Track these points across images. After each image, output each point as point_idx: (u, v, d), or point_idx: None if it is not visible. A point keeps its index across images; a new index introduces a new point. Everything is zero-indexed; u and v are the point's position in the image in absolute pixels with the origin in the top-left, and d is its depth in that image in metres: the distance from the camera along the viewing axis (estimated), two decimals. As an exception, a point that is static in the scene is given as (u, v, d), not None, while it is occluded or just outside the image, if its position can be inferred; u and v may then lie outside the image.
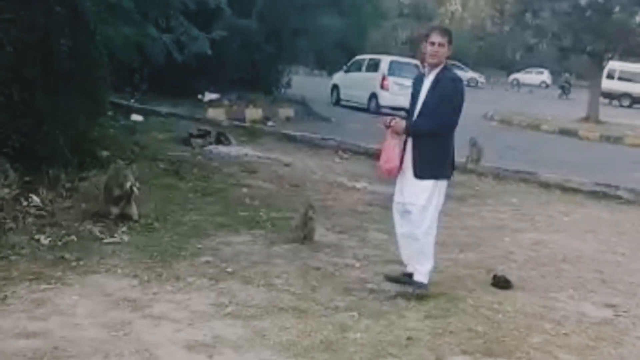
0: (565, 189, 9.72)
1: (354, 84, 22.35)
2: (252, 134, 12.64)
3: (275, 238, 5.98)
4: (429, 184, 4.84)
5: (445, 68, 4.88)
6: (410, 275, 4.96)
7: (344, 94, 23.14)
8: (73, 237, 5.34)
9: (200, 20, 13.92)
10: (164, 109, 14.37)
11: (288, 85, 20.91)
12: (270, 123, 15.02)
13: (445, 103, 4.79)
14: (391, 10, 41.45)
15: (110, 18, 8.58)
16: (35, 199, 6.16)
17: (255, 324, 4.09)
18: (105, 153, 8.23)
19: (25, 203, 6.05)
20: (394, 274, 5.09)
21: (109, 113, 11.22)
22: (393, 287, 4.96)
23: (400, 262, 5.16)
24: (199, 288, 4.59)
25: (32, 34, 6.90)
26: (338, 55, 24.65)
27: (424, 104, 4.85)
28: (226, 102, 16.61)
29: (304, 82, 23.86)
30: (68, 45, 7.30)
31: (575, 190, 9.65)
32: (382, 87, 21.07)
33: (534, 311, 4.82)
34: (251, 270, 5.06)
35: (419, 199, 4.84)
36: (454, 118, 4.86)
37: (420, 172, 4.84)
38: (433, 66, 4.85)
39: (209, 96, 16.79)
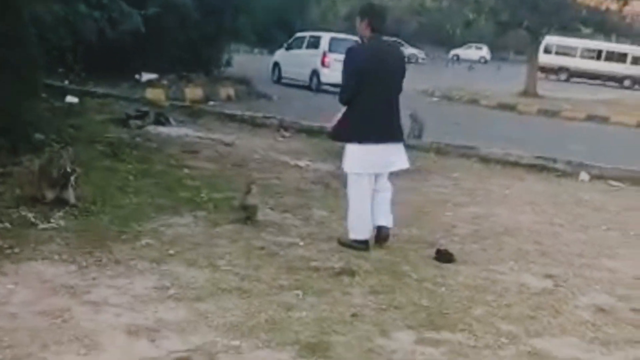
0: (505, 163, 9.90)
1: (295, 61, 22.24)
2: (192, 114, 12.43)
3: (218, 219, 5.90)
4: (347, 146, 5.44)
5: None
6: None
7: (285, 71, 23.02)
8: (7, 224, 5.13)
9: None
10: (100, 90, 14.01)
11: (229, 64, 20.62)
12: (211, 103, 14.82)
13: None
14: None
15: (37, -5, 8.27)
16: (-34, 186, 5.93)
17: (198, 306, 4.04)
18: (39, 136, 7.96)
19: (-45, 191, 5.81)
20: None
21: (43, 95, 10.85)
22: (337, 264, 4.98)
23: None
24: (140, 272, 4.50)
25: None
26: (278, 32, 24.51)
27: None
28: (165, 82, 16.28)
29: (245, 61, 23.61)
30: (-5, 26, 7.02)
31: (514, 164, 9.84)
32: (323, 64, 21.02)
33: (476, 283, 4.90)
34: (193, 252, 4.98)
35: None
36: (346, 84, 5.42)
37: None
38: None
39: (147, 76, 16.43)
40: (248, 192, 5.92)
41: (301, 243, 5.47)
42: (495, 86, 25.72)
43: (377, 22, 5.35)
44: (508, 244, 6.00)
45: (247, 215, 5.86)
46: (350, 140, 5.41)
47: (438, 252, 5.42)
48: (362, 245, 5.36)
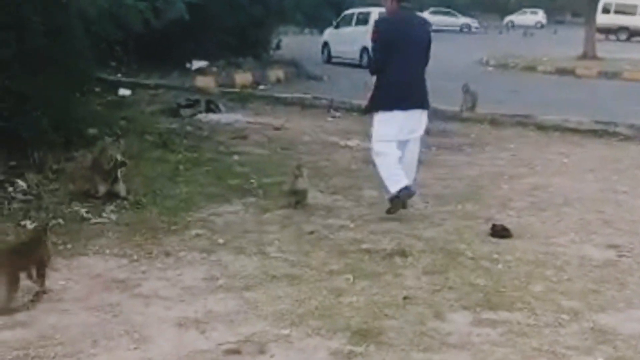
0: (563, 130, 9.58)
1: (345, 39, 22.02)
2: (242, 99, 12.42)
3: (268, 204, 5.85)
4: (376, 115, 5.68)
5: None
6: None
7: (335, 50, 22.84)
8: (60, 220, 5.20)
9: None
10: (152, 81, 14.14)
11: (278, 47, 20.56)
12: (260, 87, 14.80)
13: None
14: (379, -40, 40.68)
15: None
16: (21, 183, 6.03)
17: (247, 295, 3.99)
18: (92, 131, 8.06)
19: (10, 188, 5.92)
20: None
21: (96, 89, 11.02)
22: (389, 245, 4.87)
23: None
24: (189, 263, 4.48)
25: (3, 14, 6.68)
26: (327, 11, 24.23)
27: None
28: (214, 68, 16.34)
29: (294, 42, 23.50)
30: (41, 22, 7.06)
31: (573, 131, 9.50)
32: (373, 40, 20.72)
33: (535, 258, 4.72)
34: (243, 239, 4.94)
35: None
36: (375, 55, 5.74)
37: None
38: None
39: (197, 64, 16.50)
40: (297, 176, 5.84)
41: (352, 225, 5.37)
42: (553, 51, 24.93)
43: None
44: (568, 214, 5.77)
45: (297, 199, 5.79)
46: (379, 108, 5.63)
47: (494, 227, 5.24)
48: (406, 191, 5.51)
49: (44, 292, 3.88)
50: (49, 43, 7.07)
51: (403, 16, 5.70)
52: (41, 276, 3.87)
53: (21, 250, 3.91)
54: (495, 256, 4.72)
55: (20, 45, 6.82)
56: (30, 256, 3.85)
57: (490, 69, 21.40)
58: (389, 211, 5.58)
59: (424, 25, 5.86)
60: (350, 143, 8.64)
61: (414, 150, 5.77)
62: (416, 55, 5.60)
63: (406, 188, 5.53)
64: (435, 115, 10.64)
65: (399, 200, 5.54)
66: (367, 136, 9.00)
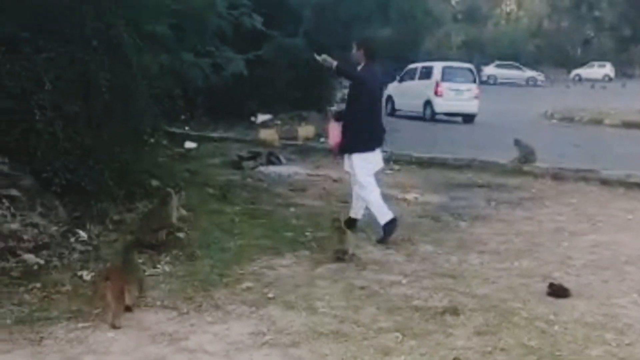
0: (628, 185, 9.28)
1: (408, 92, 22.20)
2: (303, 151, 12.56)
3: (320, 258, 5.84)
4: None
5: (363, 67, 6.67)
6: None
7: (398, 103, 23.00)
8: (115, 272, 5.31)
9: (245, 43, 14.01)
10: (217, 134, 14.49)
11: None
12: (322, 139, 14.91)
13: None
14: (444, 15, 40.88)
15: (146, 47, 8.63)
16: (82, 234, 6.20)
17: (293, 352, 3.95)
18: (155, 183, 8.26)
19: (72, 239, 6.09)
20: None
21: (164, 142, 11.33)
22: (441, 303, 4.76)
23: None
24: (238, 317, 4.48)
25: (71, 70, 6.98)
26: (391, 65, 24.45)
27: None
28: (278, 122, 16.62)
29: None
30: (106, 78, 7.36)
31: (639, 186, 9.18)
32: (436, 93, 20.85)
33: (594, 320, 4.54)
34: (293, 294, 4.92)
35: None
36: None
37: None
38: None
39: (262, 117, 16.84)
40: (334, 227, 5.98)
41: (404, 281, 5.29)
42: (620, 104, 24.40)
43: (369, 52, 6.67)
44: (631, 274, 5.55)
45: (342, 251, 5.79)
46: (356, 149, 6.65)
47: (551, 286, 5.08)
48: (394, 223, 6.46)
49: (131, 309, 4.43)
50: (113, 98, 7.33)
51: (375, 68, 6.78)
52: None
53: (124, 270, 4.54)
54: (552, 317, 4.56)
55: (86, 101, 7.10)
56: (130, 275, 4.51)
57: (554, 122, 21.08)
58: (383, 240, 6.39)
59: (380, 75, 7.13)
60: (408, 196, 8.59)
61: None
62: (379, 100, 6.98)
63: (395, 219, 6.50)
64: (495, 169, 10.59)
65: (395, 223, 6.48)
66: (427, 189, 9.04)
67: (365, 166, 6.63)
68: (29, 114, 6.44)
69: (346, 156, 6.81)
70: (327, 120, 7.16)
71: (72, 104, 6.84)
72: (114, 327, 4.19)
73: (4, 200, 6.03)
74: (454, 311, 4.61)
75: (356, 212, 6.86)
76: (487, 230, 6.75)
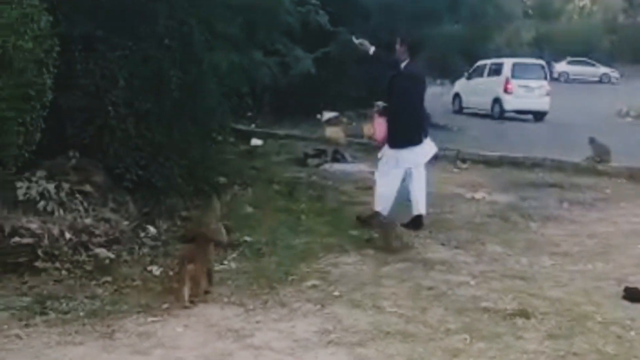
0: None
1: (476, 90, 21.82)
2: (368, 149, 12.44)
3: (386, 257, 5.78)
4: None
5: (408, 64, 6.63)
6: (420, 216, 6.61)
7: (466, 101, 22.64)
8: (183, 267, 5.38)
9: (312, 41, 14.02)
10: (283, 131, 14.55)
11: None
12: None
13: None
14: (514, 11, 39.97)
15: (217, 45, 8.72)
16: (152, 229, 6.31)
17: (359, 351, 3.91)
18: (222, 179, 8.36)
19: (142, 234, 6.20)
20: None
21: (231, 139, 11.45)
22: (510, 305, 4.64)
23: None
24: (303, 314, 4.47)
25: (144, 67, 7.11)
26: (459, 62, 24.11)
27: None
28: (344, 119, 16.58)
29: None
30: (178, 75, 7.47)
31: None
32: (505, 90, 20.43)
33: (674, 327, 4.33)
34: (359, 292, 4.88)
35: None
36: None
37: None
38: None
39: (327, 115, 16.84)
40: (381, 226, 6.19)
41: (472, 282, 5.18)
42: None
43: (413, 49, 6.72)
44: None
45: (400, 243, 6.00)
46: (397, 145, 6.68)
47: (627, 289, 4.89)
48: (377, 217, 6.46)
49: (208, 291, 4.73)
50: (183, 96, 7.43)
51: (417, 66, 6.89)
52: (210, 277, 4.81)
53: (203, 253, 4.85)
54: (628, 322, 4.38)
55: (158, 98, 7.22)
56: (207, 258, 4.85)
57: (629, 120, 20.36)
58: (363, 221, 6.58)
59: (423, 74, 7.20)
60: (477, 195, 8.43)
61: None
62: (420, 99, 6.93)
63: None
64: (567, 168, 10.29)
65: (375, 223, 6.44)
66: (496, 189, 8.85)
67: (396, 160, 6.64)
68: (103, 111, 6.60)
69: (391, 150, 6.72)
70: (372, 116, 7.13)
71: (145, 101, 6.97)
72: (186, 307, 4.48)
73: (77, 196, 6.18)
74: (525, 314, 4.48)
75: (419, 208, 6.67)
76: (559, 231, 6.56)
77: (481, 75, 22.16)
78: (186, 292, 4.54)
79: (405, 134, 6.64)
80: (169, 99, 7.26)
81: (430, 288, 5.02)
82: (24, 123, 4.45)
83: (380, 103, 6.89)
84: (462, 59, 24.07)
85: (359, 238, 6.36)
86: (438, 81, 26.52)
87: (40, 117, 4.65)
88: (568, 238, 6.50)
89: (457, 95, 23.23)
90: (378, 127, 6.90)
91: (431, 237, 6.40)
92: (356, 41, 7.01)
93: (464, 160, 11.04)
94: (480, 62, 22.74)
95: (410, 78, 6.67)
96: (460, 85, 23.05)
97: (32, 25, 4.55)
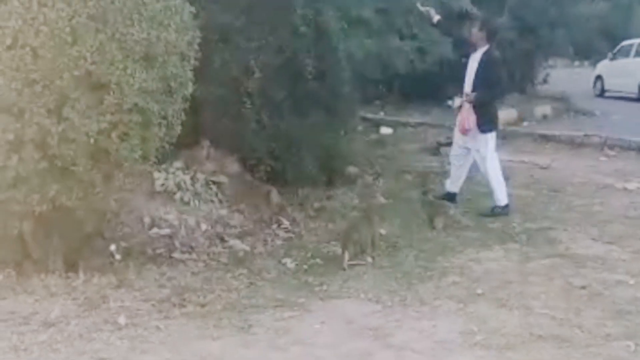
0: None
1: (621, 71, 20.36)
2: (505, 136, 11.84)
3: (531, 252, 5.39)
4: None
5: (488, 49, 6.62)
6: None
7: (609, 83, 21.24)
8: (318, 260, 5.27)
9: (450, 24, 13.56)
10: (413, 119, 14.18)
11: (545, 81, 19.62)
12: (525, 123, 14.12)
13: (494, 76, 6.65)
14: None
15: (352, 32, 8.55)
16: (285, 221, 6.25)
17: (509, 355, 3.61)
18: (353, 169, 8.21)
19: (275, 225, 6.16)
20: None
21: (359, 128, 11.29)
22: None
23: None
24: (445, 313, 4.21)
25: (279, 57, 7.05)
26: (600, 43, 22.77)
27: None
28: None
29: (563, 76, 22.30)
30: (312, 65, 7.37)
31: None
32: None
33: None
34: (504, 291, 4.55)
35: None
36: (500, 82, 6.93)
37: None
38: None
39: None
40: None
41: (631, 281, 4.71)
42: None
43: (492, 34, 6.66)
44: None
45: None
46: (493, 129, 6.78)
47: None
48: (506, 209, 6.60)
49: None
50: (317, 85, 7.32)
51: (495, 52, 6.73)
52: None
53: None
54: None
55: (292, 88, 7.15)
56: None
57: None
58: (487, 214, 6.57)
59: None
60: (629, 186, 7.76)
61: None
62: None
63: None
64: None
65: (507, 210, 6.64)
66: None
67: (493, 142, 6.77)
68: (238, 102, 6.60)
69: (475, 134, 6.71)
70: (461, 105, 6.96)
71: (279, 91, 6.92)
72: (344, 269, 4.98)
73: (212, 187, 6.23)
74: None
75: (456, 186, 7.04)
76: None
77: (627, 56, 20.67)
78: (346, 256, 5.04)
79: (496, 117, 6.98)
80: (303, 89, 7.18)
81: (583, 287, 4.61)
82: (165, 116, 4.46)
83: (470, 94, 6.69)
84: (603, 40, 22.71)
85: (501, 231, 6.00)
86: (576, 63, 25.22)
87: (181, 109, 4.65)
88: None
89: (598, 78, 21.85)
90: (468, 116, 6.66)
91: (581, 231, 5.93)
92: (422, 9, 7.04)
93: (611, 147, 10.26)
94: (625, 42, 21.25)
95: (499, 63, 6.80)
96: (603, 67, 21.68)
97: (175, 17, 4.55)
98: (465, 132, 6.72)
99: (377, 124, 13.13)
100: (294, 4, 6.95)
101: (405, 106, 15.75)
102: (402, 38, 11.14)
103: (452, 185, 7.09)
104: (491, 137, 6.73)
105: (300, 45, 7.19)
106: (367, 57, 8.71)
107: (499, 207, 6.64)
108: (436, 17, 6.97)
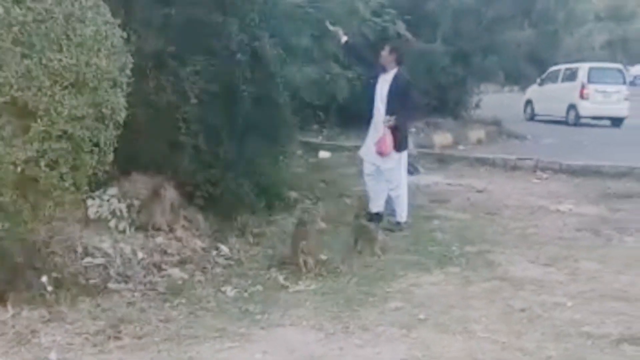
0: None
1: (550, 96, 21.11)
2: (441, 160, 12.08)
3: (471, 276, 5.42)
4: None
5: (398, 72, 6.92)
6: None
7: (538, 108, 21.96)
8: (258, 287, 5.16)
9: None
10: (350, 143, 14.20)
11: (478, 106, 20.10)
12: (460, 147, 14.38)
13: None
14: (586, 14, 38.74)
15: (290, 59, 8.53)
16: (224, 248, 6.13)
17: (453, 382, 3.59)
18: (293, 194, 8.15)
19: (214, 253, 6.03)
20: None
21: (299, 152, 11.27)
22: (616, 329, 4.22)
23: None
24: (388, 339, 4.17)
25: (215, 83, 6.97)
26: (529, 69, 23.48)
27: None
28: (413, 129, 16.17)
29: (495, 101, 22.84)
30: (250, 90, 7.30)
31: None
32: (581, 96, 19.70)
33: None
34: (446, 315, 4.55)
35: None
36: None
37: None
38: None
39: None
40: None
41: (569, 303, 4.78)
42: None
43: (400, 57, 6.95)
44: None
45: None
46: (406, 148, 7.13)
47: None
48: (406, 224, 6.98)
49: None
50: (255, 111, 7.25)
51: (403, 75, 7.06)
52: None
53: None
54: None
55: (229, 113, 7.06)
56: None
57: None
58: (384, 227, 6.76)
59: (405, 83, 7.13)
60: (562, 207, 7.96)
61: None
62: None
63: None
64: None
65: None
66: (582, 200, 8.36)
67: (406, 162, 7.14)
68: (174, 128, 6.47)
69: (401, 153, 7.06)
70: (383, 129, 7.03)
71: (216, 116, 6.82)
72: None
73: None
74: (633, 340, 4.07)
75: (379, 205, 7.20)
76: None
77: (555, 81, 21.44)
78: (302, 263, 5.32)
79: (407, 136, 7.31)
80: (241, 114, 7.09)
81: (523, 310, 4.66)
82: (97, 143, 4.31)
83: (388, 117, 6.89)
84: (532, 65, 23.42)
85: (441, 255, 6.02)
86: (507, 88, 25.95)
87: (114, 136, 4.51)
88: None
89: (528, 102, 22.56)
90: (387, 139, 6.91)
91: (518, 254, 6.01)
92: (331, 28, 7.25)
93: (543, 170, 10.52)
94: (553, 68, 22.01)
95: (411, 86, 7.17)
96: (533, 92, 22.38)
97: (106, 42, 4.42)
98: (384, 154, 6.92)
99: (316, 148, 13.13)
100: (229, 30, 6.88)
101: (343, 130, 15.81)
102: (340, 64, 11.20)
103: (374, 205, 7.23)
104: (404, 155, 7.06)
105: (237, 71, 7.11)
106: (306, 82, 8.68)
107: (401, 223, 6.99)
108: (344, 38, 7.20)
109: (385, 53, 6.94)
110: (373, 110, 7.15)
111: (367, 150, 7.29)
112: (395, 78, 6.86)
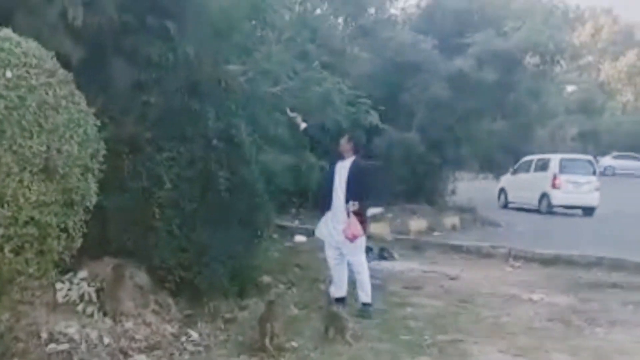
0: None
1: (522, 185, 21.58)
2: (416, 246, 12.15)
3: (443, 365, 5.39)
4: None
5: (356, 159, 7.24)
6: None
7: (512, 196, 22.34)
8: (226, 375, 5.09)
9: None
10: (326, 228, 14.29)
11: (453, 192, 20.39)
12: (435, 233, 14.48)
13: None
14: (558, 107, 39.92)
15: (267, 146, 8.68)
16: (193, 333, 6.05)
17: None
18: (266, 278, 8.13)
19: (183, 338, 5.94)
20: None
21: (274, 236, 11.27)
22: None
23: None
24: None
25: (191, 169, 7.05)
26: (503, 157, 23.97)
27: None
28: (389, 215, 16.32)
29: (469, 188, 23.18)
30: (225, 176, 7.38)
31: None
32: (553, 186, 20.13)
33: None
34: (416, 407, 4.50)
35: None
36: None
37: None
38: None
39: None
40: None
41: (541, 396, 4.75)
42: None
43: (357, 146, 7.28)
44: None
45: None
46: (365, 232, 7.28)
47: None
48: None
49: None
50: (230, 196, 7.31)
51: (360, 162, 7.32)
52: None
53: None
54: None
55: (204, 199, 7.10)
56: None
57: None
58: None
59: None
60: (534, 297, 7.99)
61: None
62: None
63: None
64: (628, 267, 9.80)
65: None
66: (553, 289, 8.40)
67: (364, 246, 7.36)
68: (148, 213, 6.49)
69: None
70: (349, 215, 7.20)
71: (191, 201, 6.87)
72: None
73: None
74: None
75: (342, 290, 7.34)
76: (628, 337, 6.09)
77: (527, 170, 21.93)
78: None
79: (367, 220, 7.53)
80: (216, 200, 7.14)
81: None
82: (66, 228, 4.32)
83: (355, 203, 7.10)
84: (505, 155, 23.93)
85: (413, 344, 5.98)
86: (481, 175, 26.38)
87: (83, 221, 4.52)
88: (638, 345, 6.02)
89: (502, 191, 22.96)
90: (355, 224, 7.10)
91: (490, 344, 5.99)
92: (291, 114, 7.61)
93: (516, 258, 10.61)
94: (526, 158, 22.54)
95: (370, 172, 7.57)
96: (506, 180, 22.80)
97: (78, 130, 4.50)
98: (356, 237, 7.09)
99: (292, 232, 13.16)
100: (205, 117, 7.02)
101: (320, 214, 15.86)
102: (315, 153, 11.39)
103: (338, 290, 7.35)
104: (363, 239, 7.25)
105: (213, 157, 7.21)
106: (282, 169, 8.82)
107: (369, 303, 7.10)
108: (303, 125, 7.59)
109: (344, 141, 7.28)
110: (332, 195, 7.38)
111: (328, 233, 7.51)
112: (353, 165, 7.15)
